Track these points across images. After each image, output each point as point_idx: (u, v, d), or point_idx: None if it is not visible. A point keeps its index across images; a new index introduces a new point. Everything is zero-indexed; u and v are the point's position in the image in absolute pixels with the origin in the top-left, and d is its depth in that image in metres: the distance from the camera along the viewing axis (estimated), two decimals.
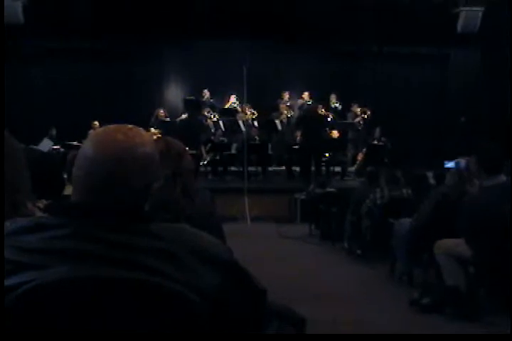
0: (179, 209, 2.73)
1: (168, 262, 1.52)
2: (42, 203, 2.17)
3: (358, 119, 16.12)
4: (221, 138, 15.41)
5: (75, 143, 13.50)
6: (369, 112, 15.97)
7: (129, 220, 1.58)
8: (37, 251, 1.52)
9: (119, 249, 1.51)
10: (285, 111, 16.13)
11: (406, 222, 6.83)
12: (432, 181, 8.22)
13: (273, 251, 9.26)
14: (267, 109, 16.32)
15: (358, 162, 15.66)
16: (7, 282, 1.47)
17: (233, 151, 15.13)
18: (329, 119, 15.57)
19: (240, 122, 15.37)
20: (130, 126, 1.70)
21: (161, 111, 15.63)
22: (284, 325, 2.17)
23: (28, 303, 1.45)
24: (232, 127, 15.71)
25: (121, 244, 1.52)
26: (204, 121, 16.02)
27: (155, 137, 10.69)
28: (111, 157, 1.59)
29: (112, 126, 1.69)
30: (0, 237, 1.55)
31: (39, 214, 2.07)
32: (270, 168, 15.53)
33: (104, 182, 1.58)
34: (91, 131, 11.95)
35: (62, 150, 14.04)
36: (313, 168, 14.13)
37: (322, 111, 15.11)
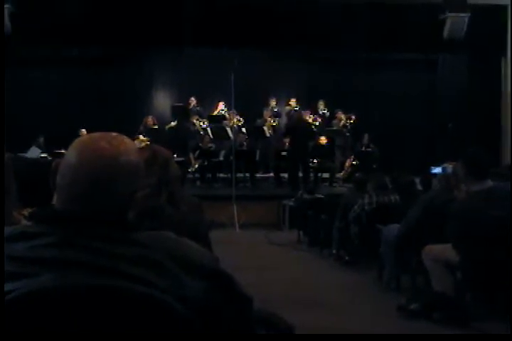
0: (165, 217, 2.72)
1: (153, 270, 1.52)
2: (27, 211, 2.17)
3: (342, 124, 16.12)
4: (209, 145, 15.39)
5: (62, 151, 13.46)
6: (354, 118, 16.00)
7: (113, 228, 1.58)
8: (23, 260, 1.51)
9: (103, 258, 1.51)
10: (268, 118, 16.15)
11: (394, 227, 6.84)
12: (419, 187, 8.23)
13: (261, 257, 9.25)
14: (255, 115, 16.35)
15: (345, 168, 15.72)
16: None
17: (221, 158, 15.13)
18: (317, 124, 15.61)
19: (228, 129, 15.36)
20: (114, 134, 1.70)
21: (150, 119, 15.60)
22: (271, 332, 2.17)
23: (13, 312, 1.44)
24: (220, 134, 15.71)
25: (105, 252, 1.52)
26: (192, 127, 16.03)
27: (143, 145, 10.69)
28: (95, 165, 1.58)
29: (96, 134, 1.68)
30: (0, 240, 1.54)
31: (24, 222, 2.07)
32: (258, 175, 15.55)
33: (87, 190, 1.58)
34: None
35: (50, 158, 13.99)
36: (301, 175, 14.16)
37: (310, 117, 15.14)
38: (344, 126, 16.11)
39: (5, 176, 2.17)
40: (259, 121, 16.20)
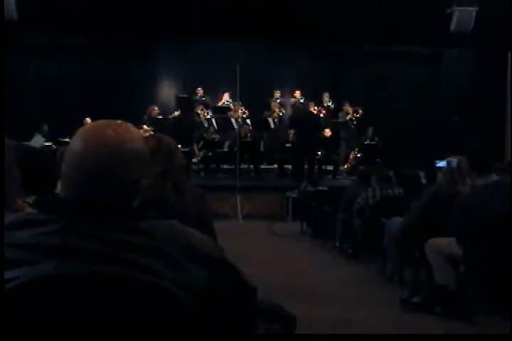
0: (169, 207, 2.72)
1: (157, 259, 1.51)
2: (32, 199, 2.16)
3: (349, 117, 16.10)
4: (213, 136, 15.39)
5: (66, 139, 13.43)
6: (361, 111, 15.98)
7: (117, 217, 1.57)
8: (26, 247, 1.51)
9: (107, 246, 1.50)
10: (276, 110, 16.12)
11: (397, 220, 6.83)
12: (423, 180, 8.22)
13: (264, 248, 9.26)
14: (260, 107, 16.32)
15: (349, 161, 15.71)
16: None
17: (225, 149, 15.13)
18: (321, 115, 15.58)
19: (233, 120, 15.36)
20: (119, 121, 1.69)
21: (154, 109, 15.58)
22: (273, 324, 2.16)
23: (15, 300, 1.44)
24: (224, 125, 15.73)
25: (109, 241, 1.51)
26: (196, 118, 16.02)
27: (147, 134, 10.67)
28: (99, 152, 1.58)
29: (101, 122, 1.68)
30: (0, 236, 1.54)
31: (29, 210, 2.07)
32: (262, 166, 15.54)
33: (92, 178, 1.58)
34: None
35: (54, 146, 13.97)
36: (305, 166, 14.16)
37: (314, 108, 15.11)
38: (350, 119, 16.08)
39: (8, 164, 2.16)
40: (266, 113, 16.17)
